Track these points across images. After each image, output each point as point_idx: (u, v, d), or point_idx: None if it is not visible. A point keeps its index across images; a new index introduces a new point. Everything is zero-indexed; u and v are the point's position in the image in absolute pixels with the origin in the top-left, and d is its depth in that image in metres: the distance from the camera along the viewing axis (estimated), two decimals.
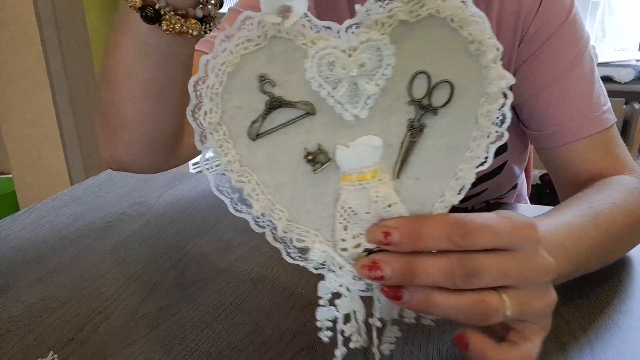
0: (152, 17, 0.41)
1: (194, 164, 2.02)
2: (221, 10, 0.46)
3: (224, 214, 0.69)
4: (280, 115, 0.31)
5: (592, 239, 0.45)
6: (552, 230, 0.42)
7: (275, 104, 0.31)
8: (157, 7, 0.40)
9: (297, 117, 0.31)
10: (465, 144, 0.31)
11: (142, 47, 0.44)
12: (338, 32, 0.30)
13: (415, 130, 0.31)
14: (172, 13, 0.41)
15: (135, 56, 0.45)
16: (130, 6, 0.41)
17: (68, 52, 1.92)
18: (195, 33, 0.43)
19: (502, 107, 0.30)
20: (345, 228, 0.32)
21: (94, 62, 2.02)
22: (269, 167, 0.32)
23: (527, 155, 0.85)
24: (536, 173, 2.10)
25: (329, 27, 0.30)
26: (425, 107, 0.31)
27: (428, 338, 0.43)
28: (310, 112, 0.31)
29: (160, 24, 0.41)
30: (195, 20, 0.43)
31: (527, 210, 0.71)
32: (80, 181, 0.83)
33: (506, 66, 0.62)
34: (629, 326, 0.44)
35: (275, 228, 0.33)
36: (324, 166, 0.32)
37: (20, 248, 0.60)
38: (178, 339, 0.43)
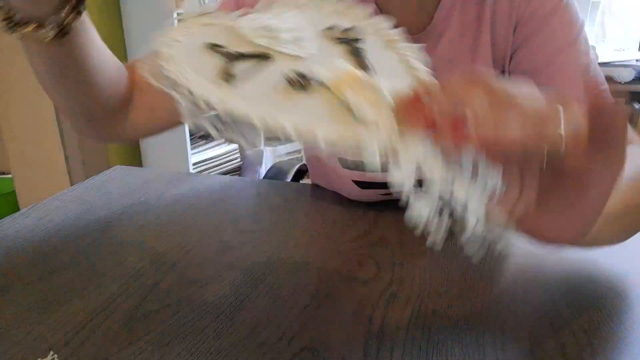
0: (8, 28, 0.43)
1: (194, 164, 2.02)
2: None
3: (224, 214, 0.69)
4: (245, 65, 0.34)
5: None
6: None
7: (232, 56, 0.34)
8: (14, 19, 0.42)
9: (262, 59, 0.34)
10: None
11: (27, 50, 0.48)
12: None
13: (348, 41, 0.38)
14: (18, 26, 0.43)
15: (28, 57, 0.49)
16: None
17: None
18: (49, 39, 0.44)
19: None
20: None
21: None
22: (256, 102, 0.31)
23: None
24: None
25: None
26: (348, 40, 0.38)
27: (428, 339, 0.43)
28: (269, 54, 0.34)
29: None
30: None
31: None
32: (80, 181, 0.83)
33: (503, 51, 0.62)
34: (629, 326, 0.44)
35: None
36: (313, 85, 0.33)
37: (20, 248, 0.60)
38: (178, 339, 0.43)
